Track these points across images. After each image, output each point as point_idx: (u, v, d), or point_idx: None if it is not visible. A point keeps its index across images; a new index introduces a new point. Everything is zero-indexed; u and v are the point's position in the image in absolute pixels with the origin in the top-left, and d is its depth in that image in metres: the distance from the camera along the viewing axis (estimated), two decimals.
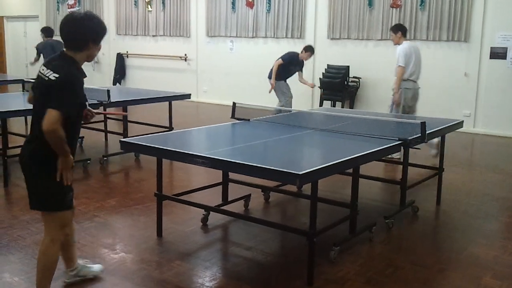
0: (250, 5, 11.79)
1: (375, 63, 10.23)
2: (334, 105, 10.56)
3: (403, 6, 9.80)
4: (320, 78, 10.58)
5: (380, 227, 4.35)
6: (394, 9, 9.89)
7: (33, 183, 2.98)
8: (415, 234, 4.44)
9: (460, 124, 5.21)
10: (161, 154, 3.78)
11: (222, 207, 4.56)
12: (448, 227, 4.64)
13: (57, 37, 8.32)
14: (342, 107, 10.40)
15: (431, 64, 9.53)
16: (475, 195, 5.54)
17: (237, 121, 4.96)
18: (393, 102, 6.84)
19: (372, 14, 10.20)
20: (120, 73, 14.43)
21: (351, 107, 10.47)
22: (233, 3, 12.05)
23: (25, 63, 17.34)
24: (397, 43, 7.00)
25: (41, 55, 9.24)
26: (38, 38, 16.38)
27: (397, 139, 4.07)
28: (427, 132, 4.23)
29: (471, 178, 6.31)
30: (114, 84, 14.33)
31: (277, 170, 3.05)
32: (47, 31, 9.56)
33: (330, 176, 3.55)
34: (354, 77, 10.39)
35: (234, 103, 5.13)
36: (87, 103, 3.10)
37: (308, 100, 11.06)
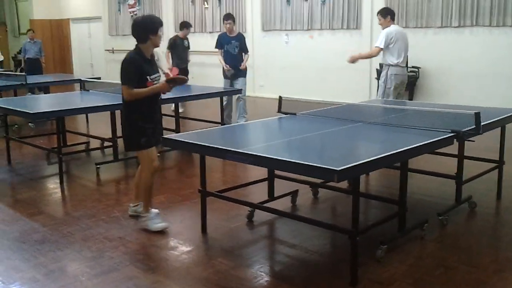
0: None
1: (435, 51, 9.81)
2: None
3: None
4: (377, 69, 10.25)
5: (434, 225, 4.13)
6: None
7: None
8: (471, 232, 4.18)
9: None
10: (200, 150, 3.75)
11: (268, 203, 4.49)
12: (508, 225, 4.34)
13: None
14: (401, 98, 10.04)
15: (494, 51, 9.07)
16: None
17: (283, 115, 4.87)
18: (383, 90, 6.84)
19: (431, 1, 9.77)
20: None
21: (410, 98, 10.09)
22: None
23: (90, 62, 18.00)
24: (385, 27, 6.85)
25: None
26: (101, 38, 17.03)
27: (449, 131, 3.84)
28: (483, 123, 3.97)
29: None
30: None
31: (313, 165, 2.93)
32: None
33: (383, 170, 3.38)
34: (413, 66, 9.99)
35: (280, 97, 5.03)
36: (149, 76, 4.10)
37: (366, 91, 10.77)
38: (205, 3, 13.81)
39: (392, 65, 6.81)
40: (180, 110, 10.45)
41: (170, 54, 10.11)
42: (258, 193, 4.79)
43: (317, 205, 4.88)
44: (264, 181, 4.65)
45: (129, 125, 4.17)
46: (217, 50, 8.64)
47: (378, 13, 7.17)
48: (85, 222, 4.45)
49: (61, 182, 5.66)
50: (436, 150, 4.32)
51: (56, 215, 4.71)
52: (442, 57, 9.73)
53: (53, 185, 5.72)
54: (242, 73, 8.49)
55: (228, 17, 8.48)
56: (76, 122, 9.13)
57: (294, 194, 4.81)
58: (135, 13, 15.62)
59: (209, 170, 4.10)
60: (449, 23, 9.57)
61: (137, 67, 4.05)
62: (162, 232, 4.15)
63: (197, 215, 4.30)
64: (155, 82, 4.15)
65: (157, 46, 4.18)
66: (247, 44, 8.61)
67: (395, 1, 10.26)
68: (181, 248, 3.91)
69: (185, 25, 10.20)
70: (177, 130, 6.65)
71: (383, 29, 6.92)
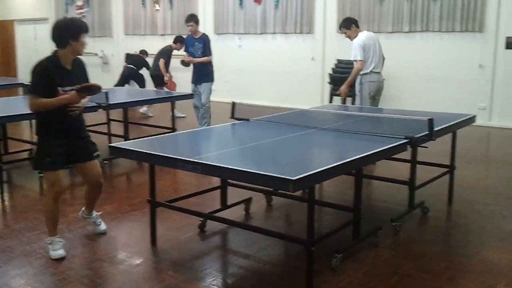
0: (258, 0, 11.55)
1: (387, 57, 9.89)
2: (344, 101, 10.27)
3: None
4: (329, 74, 10.31)
5: (388, 231, 4.11)
6: (405, 0, 9.57)
7: None
8: (424, 238, 4.17)
9: (472, 119, 4.91)
10: (148, 159, 3.57)
11: (221, 212, 4.37)
12: (460, 229, 4.36)
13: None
14: (353, 103, 10.11)
15: (444, 56, 9.25)
16: (490, 194, 5.24)
17: (237, 121, 4.75)
18: (360, 99, 6.53)
19: (383, 6, 9.90)
20: None
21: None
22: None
23: None
24: (354, 37, 6.51)
25: None
26: (48, 41, 16.44)
27: (403, 137, 3.82)
28: (436, 129, 3.98)
29: (486, 175, 6.01)
30: (123, 85, 14.18)
31: (268, 175, 2.82)
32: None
33: (337, 176, 3.31)
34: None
35: (233, 103, 4.91)
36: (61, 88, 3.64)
37: (318, 96, 10.80)
38: (156, 5, 13.55)
39: (366, 73, 6.46)
40: (150, 114, 10.32)
41: (164, 63, 9.94)
42: (211, 201, 4.66)
43: (271, 213, 4.79)
44: (217, 189, 4.51)
45: (37, 141, 3.79)
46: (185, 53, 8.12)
47: (340, 26, 6.78)
48: (27, 235, 4.19)
49: (1, 192, 5.34)
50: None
51: None
52: (394, 62, 9.84)
53: None
54: (205, 78, 7.88)
55: (189, 19, 7.89)
56: (19, 128, 8.72)
57: (247, 202, 4.70)
58: (83, 14, 15.18)
59: (160, 178, 3.95)
60: (400, 28, 9.71)
61: (44, 75, 3.59)
62: (110, 245, 3.94)
63: (146, 226, 4.11)
64: None
65: (79, 54, 3.72)
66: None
67: (346, 6, 10.34)
68: (129, 261, 3.72)
69: (180, 41, 9.95)
70: (125, 137, 6.40)
71: (352, 40, 6.55)
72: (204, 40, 7.87)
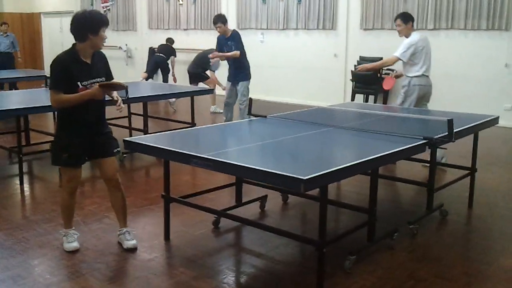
0: None
1: None
2: (367, 99, 10.16)
3: None
4: (352, 71, 10.19)
5: (404, 234, 4.02)
6: None
7: None
8: (442, 242, 4.07)
9: (495, 120, 4.77)
10: (162, 155, 3.57)
11: (236, 209, 4.35)
12: (480, 233, 4.25)
13: None
14: (375, 101, 9.99)
15: (469, 55, 9.06)
16: None
17: (254, 118, 4.71)
18: (403, 98, 6.06)
19: (407, 2, 9.73)
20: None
21: (385, 101, 10.04)
22: None
23: None
24: (406, 35, 6.06)
25: None
26: None
27: (421, 138, 3.73)
28: (456, 130, 3.88)
29: (509, 178, 5.85)
30: (147, 79, 14.28)
31: (279, 174, 2.77)
32: None
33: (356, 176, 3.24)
34: (388, 69, 9.92)
35: (250, 99, 4.88)
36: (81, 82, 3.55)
37: (340, 94, 10.69)
38: (180, 0, 13.57)
39: (417, 76, 6.00)
40: (173, 108, 10.40)
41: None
42: (227, 198, 4.64)
43: (286, 212, 4.74)
44: (233, 185, 4.49)
45: (55, 135, 3.77)
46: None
47: (397, 17, 6.23)
48: (43, 227, 4.23)
49: (21, 183, 5.41)
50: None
51: (12, 218, 4.47)
52: None
53: (12, 186, 5.46)
54: (242, 76, 7.57)
55: (216, 20, 7.51)
56: (43, 120, 8.82)
57: (263, 199, 4.66)
58: (108, 8, 15.30)
59: (178, 173, 3.92)
60: (424, 25, 9.53)
61: (64, 69, 3.50)
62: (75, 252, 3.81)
63: (161, 221, 4.11)
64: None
65: (98, 48, 3.63)
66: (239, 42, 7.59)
67: (370, 3, 10.20)
68: (142, 256, 3.72)
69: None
70: (145, 131, 6.42)
71: (401, 36, 6.13)
72: (235, 37, 7.56)
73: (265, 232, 3.96)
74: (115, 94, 3.74)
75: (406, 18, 6.14)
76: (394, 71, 6.42)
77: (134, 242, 3.83)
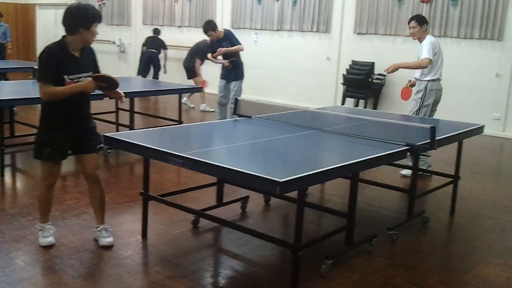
0: None
1: (402, 60, 9.72)
2: (357, 103, 10.15)
3: (434, 1, 9.31)
4: (343, 74, 10.19)
5: (383, 239, 4.01)
6: (424, 4, 9.39)
7: None
8: (420, 249, 4.06)
9: (480, 129, 4.77)
10: (140, 152, 3.52)
11: (216, 209, 4.32)
12: (459, 241, 4.24)
13: None
14: (365, 105, 9.98)
15: (461, 63, 9.05)
16: (495, 207, 5.08)
17: (238, 118, 4.68)
18: (419, 106, 5.84)
19: (401, 9, 9.73)
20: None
21: (375, 106, 10.04)
22: None
23: None
24: (420, 38, 5.91)
25: None
26: None
27: (404, 144, 3.71)
28: (439, 137, 3.87)
29: (494, 187, 5.84)
30: (139, 74, 14.22)
31: (254, 175, 2.75)
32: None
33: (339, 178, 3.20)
34: (379, 74, 9.94)
35: (236, 99, 4.85)
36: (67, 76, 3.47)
37: (331, 97, 10.68)
38: None
39: (432, 80, 5.84)
40: (192, 106, 10.26)
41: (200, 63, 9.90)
42: (210, 197, 4.60)
43: (267, 213, 4.71)
44: (215, 185, 4.45)
45: (38, 128, 3.65)
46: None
47: (412, 19, 6.04)
48: (19, 220, 4.18)
49: (2, 175, 5.35)
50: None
51: None
52: None
53: None
54: (236, 75, 7.49)
55: (206, 28, 7.43)
56: (30, 112, 8.73)
57: (244, 200, 4.63)
58: (103, 2, 15.22)
59: (162, 171, 3.86)
60: None
61: (51, 61, 3.43)
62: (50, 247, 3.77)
63: (140, 219, 4.07)
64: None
65: (88, 43, 3.56)
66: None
67: (365, 7, 10.19)
68: (117, 254, 3.68)
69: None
70: (131, 127, 6.36)
71: (414, 38, 6.01)
72: (229, 37, 7.47)
73: (244, 233, 3.93)
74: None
75: (421, 21, 5.97)
76: (409, 81, 6.26)
77: (110, 239, 3.79)
